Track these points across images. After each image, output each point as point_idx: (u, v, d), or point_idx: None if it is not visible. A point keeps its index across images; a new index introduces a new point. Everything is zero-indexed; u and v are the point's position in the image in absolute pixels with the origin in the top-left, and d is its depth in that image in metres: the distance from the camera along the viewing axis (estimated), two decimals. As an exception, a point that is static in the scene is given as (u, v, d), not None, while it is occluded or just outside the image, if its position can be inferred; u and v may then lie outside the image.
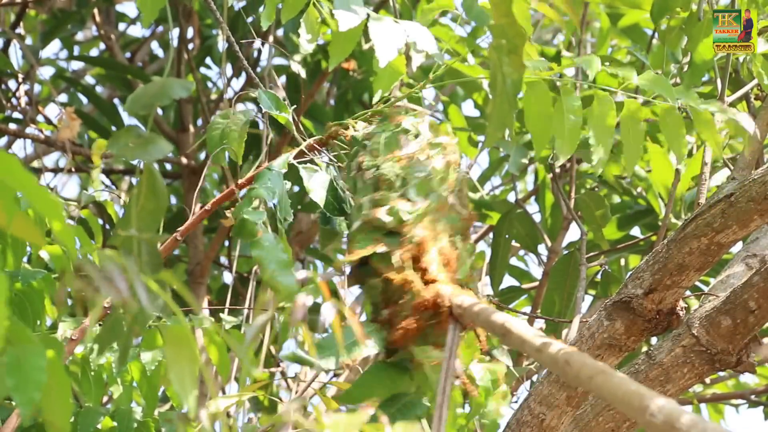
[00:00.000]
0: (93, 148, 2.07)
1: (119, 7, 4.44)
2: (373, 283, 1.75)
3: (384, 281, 1.73)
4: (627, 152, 2.14)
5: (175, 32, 3.96)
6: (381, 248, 1.75)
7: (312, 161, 2.00)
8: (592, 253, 3.37)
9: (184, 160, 4.13)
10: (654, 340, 2.95)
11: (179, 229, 2.10)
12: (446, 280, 1.72)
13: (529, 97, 1.99)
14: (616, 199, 3.64)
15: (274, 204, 1.85)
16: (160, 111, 4.27)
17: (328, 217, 1.96)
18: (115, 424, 2.37)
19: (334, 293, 1.50)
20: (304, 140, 1.99)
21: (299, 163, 1.96)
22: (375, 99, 2.08)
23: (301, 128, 2.05)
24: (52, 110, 6.12)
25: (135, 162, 1.52)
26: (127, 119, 4.19)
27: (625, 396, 1.30)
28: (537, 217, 3.65)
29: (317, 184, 1.94)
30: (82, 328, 2.12)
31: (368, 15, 1.94)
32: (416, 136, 1.87)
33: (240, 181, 2.01)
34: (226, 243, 4.07)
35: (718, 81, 2.82)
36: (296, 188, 1.99)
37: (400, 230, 1.77)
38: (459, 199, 1.85)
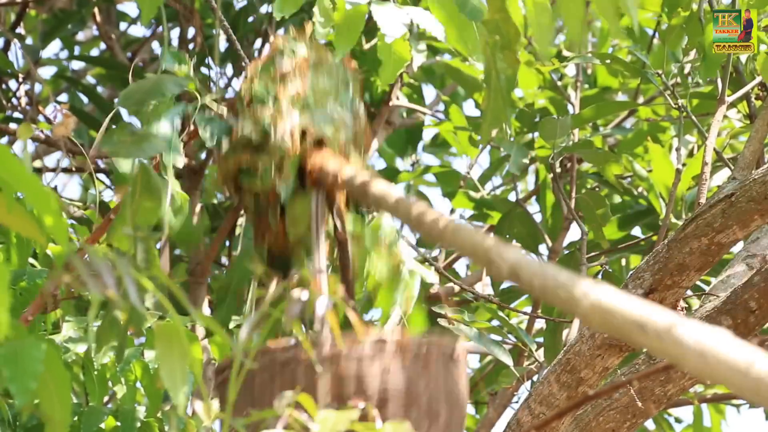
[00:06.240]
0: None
1: (120, 7, 4.44)
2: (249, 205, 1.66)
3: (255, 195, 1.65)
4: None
5: (175, 32, 3.96)
6: (246, 161, 1.65)
7: None
8: (592, 253, 3.37)
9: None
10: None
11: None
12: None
13: None
14: (617, 198, 3.63)
15: None
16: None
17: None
18: (118, 423, 2.36)
19: (333, 290, 1.47)
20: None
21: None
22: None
23: None
24: (52, 110, 6.13)
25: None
26: (128, 118, 4.18)
27: (473, 249, 1.31)
28: (538, 217, 3.65)
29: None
30: (40, 295, 2.04)
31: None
32: (292, 52, 1.75)
33: None
34: (227, 243, 4.07)
35: (719, 80, 2.82)
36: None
37: (267, 142, 1.65)
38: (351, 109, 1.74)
